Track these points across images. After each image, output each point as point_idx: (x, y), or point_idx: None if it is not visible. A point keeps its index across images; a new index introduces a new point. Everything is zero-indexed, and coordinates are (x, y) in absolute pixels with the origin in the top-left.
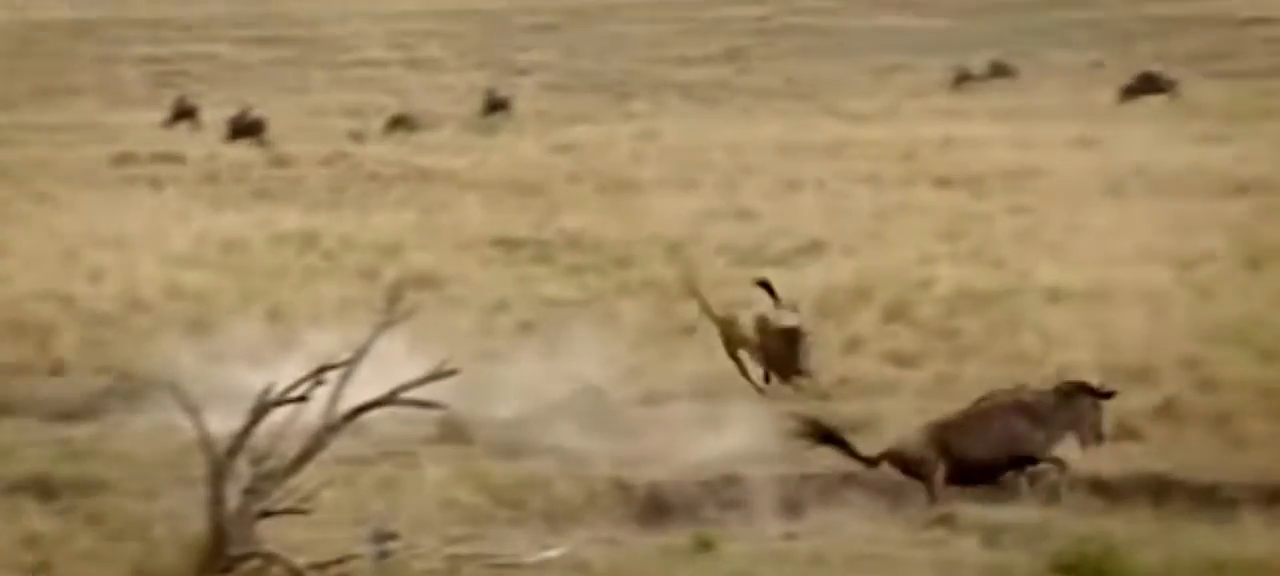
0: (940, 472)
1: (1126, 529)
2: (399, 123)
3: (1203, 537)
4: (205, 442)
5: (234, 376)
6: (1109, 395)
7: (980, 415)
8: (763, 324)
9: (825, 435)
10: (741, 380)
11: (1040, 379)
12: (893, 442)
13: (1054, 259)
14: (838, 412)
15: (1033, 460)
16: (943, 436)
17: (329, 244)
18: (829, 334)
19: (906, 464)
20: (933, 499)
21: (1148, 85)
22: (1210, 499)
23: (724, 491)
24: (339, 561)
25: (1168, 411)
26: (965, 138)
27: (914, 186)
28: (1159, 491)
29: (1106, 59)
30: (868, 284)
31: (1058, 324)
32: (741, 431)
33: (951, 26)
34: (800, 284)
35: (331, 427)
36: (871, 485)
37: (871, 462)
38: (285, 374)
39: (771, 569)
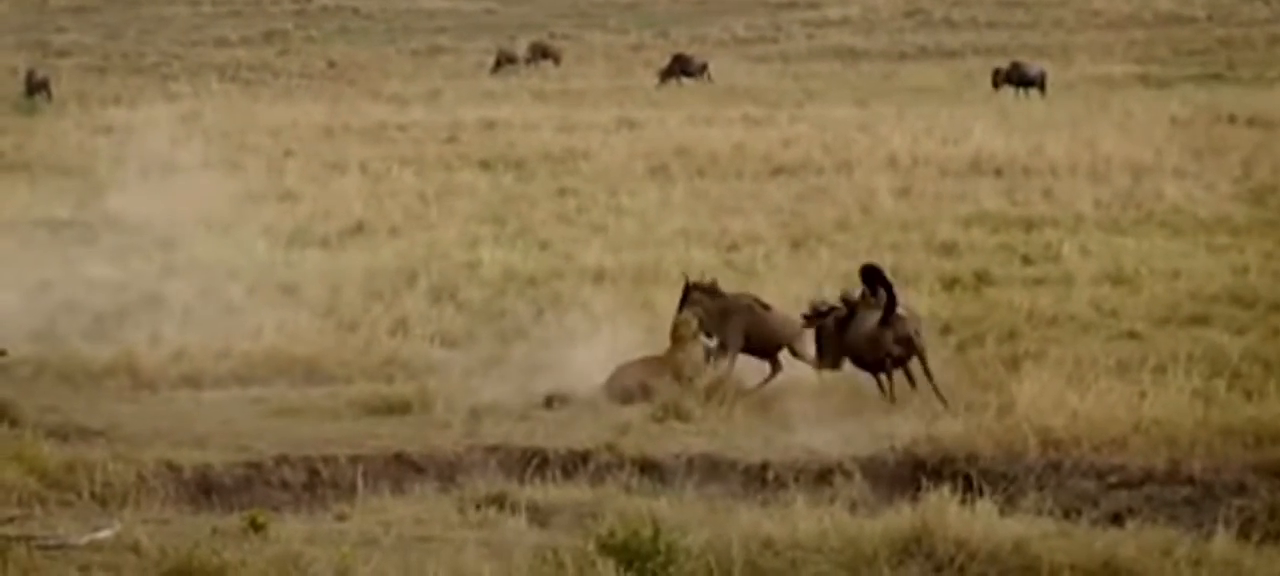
0: None
1: (675, 509)
2: None
3: (751, 517)
4: None
5: None
6: None
7: None
8: None
9: None
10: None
11: (587, 361)
12: None
13: (599, 240)
14: (387, 394)
15: None
16: None
17: None
18: (376, 315)
19: None
20: None
21: (681, 67)
22: (758, 478)
23: (275, 472)
24: None
25: (715, 391)
26: (508, 120)
27: (457, 170)
28: (707, 471)
29: (645, 41)
30: (413, 266)
31: (604, 304)
32: None
33: (493, 9)
34: (346, 266)
35: None
36: (425, 466)
37: None
38: None
39: (323, 550)
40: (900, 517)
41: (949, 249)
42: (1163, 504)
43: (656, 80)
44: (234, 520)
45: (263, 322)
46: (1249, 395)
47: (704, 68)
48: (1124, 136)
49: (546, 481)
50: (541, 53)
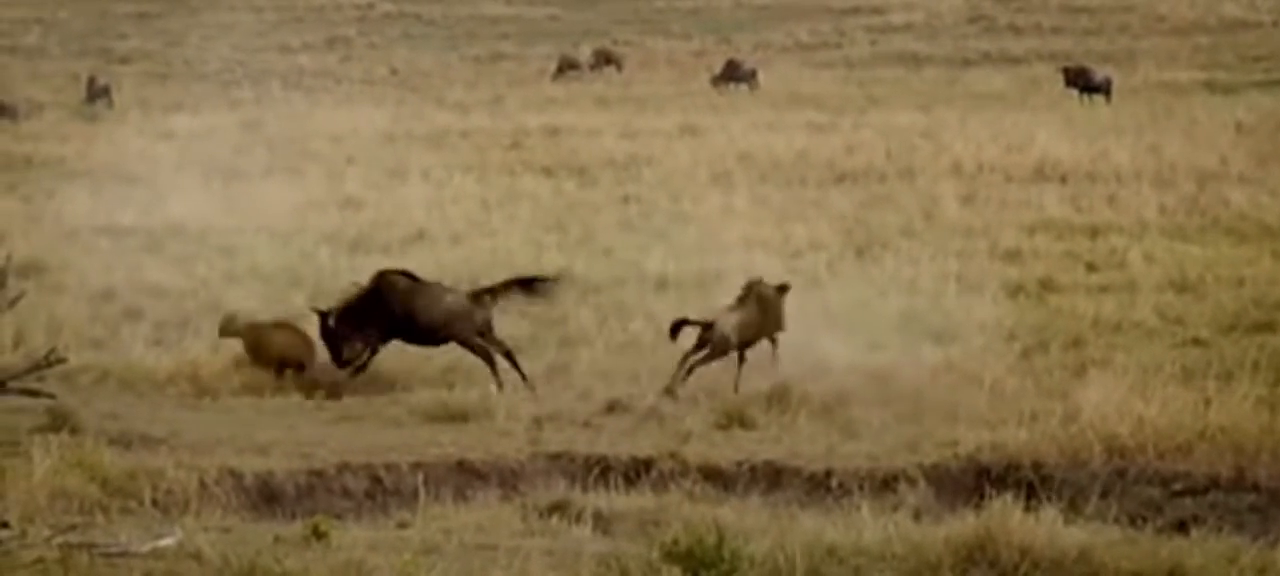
0: None
1: (739, 516)
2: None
3: (815, 524)
4: None
5: None
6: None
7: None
8: None
9: None
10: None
11: (650, 369)
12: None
13: (661, 247)
14: (448, 401)
15: None
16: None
17: None
18: None
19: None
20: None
21: (732, 73)
22: (822, 486)
23: (337, 479)
24: None
25: (779, 398)
26: (571, 126)
27: (520, 176)
28: (771, 478)
29: (708, 47)
30: (475, 273)
31: (667, 312)
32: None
33: (556, 15)
34: None
35: None
36: (487, 474)
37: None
38: None
39: (385, 558)
40: (964, 525)
41: (1013, 256)
42: (1228, 511)
43: (711, 85)
44: (296, 527)
45: None
46: None
47: (753, 74)
48: (1189, 143)
49: (609, 489)
50: (604, 59)
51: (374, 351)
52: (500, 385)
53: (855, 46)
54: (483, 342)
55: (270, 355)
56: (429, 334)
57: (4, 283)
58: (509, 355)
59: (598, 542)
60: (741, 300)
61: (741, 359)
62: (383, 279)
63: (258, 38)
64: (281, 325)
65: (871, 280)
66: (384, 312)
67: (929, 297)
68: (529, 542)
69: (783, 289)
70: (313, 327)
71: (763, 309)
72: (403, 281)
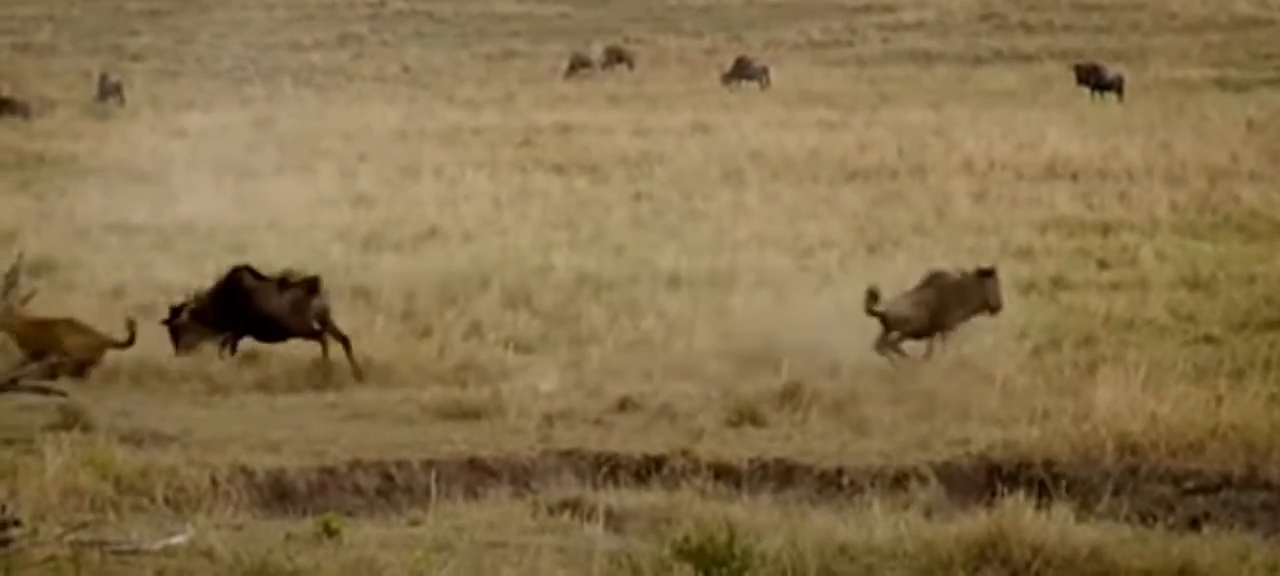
0: None
1: (750, 514)
2: (11, 108)
3: (826, 522)
4: None
5: None
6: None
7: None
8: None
9: None
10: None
11: (662, 367)
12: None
13: (673, 245)
14: (460, 398)
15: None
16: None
17: None
18: (450, 320)
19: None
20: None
21: (742, 70)
22: (834, 483)
23: (348, 477)
24: None
25: (790, 396)
26: (582, 124)
27: (531, 174)
28: (783, 476)
29: (720, 45)
30: (487, 270)
31: (679, 309)
32: None
33: (567, 12)
34: (420, 270)
35: None
36: (499, 471)
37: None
38: None
39: (397, 555)
40: (976, 523)
41: (1025, 253)
42: (1240, 509)
43: (721, 83)
44: (308, 525)
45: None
46: None
47: (764, 71)
48: (1200, 140)
49: (621, 487)
50: (616, 57)
51: (232, 348)
52: (360, 375)
53: (867, 44)
54: (323, 332)
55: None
56: (273, 329)
57: (16, 280)
58: (345, 343)
59: (609, 540)
60: (921, 287)
61: (932, 339)
62: (233, 276)
63: (269, 35)
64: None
65: (883, 277)
66: (232, 309)
67: None
68: (540, 540)
69: (984, 273)
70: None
71: (945, 294)
72: (249, 278)
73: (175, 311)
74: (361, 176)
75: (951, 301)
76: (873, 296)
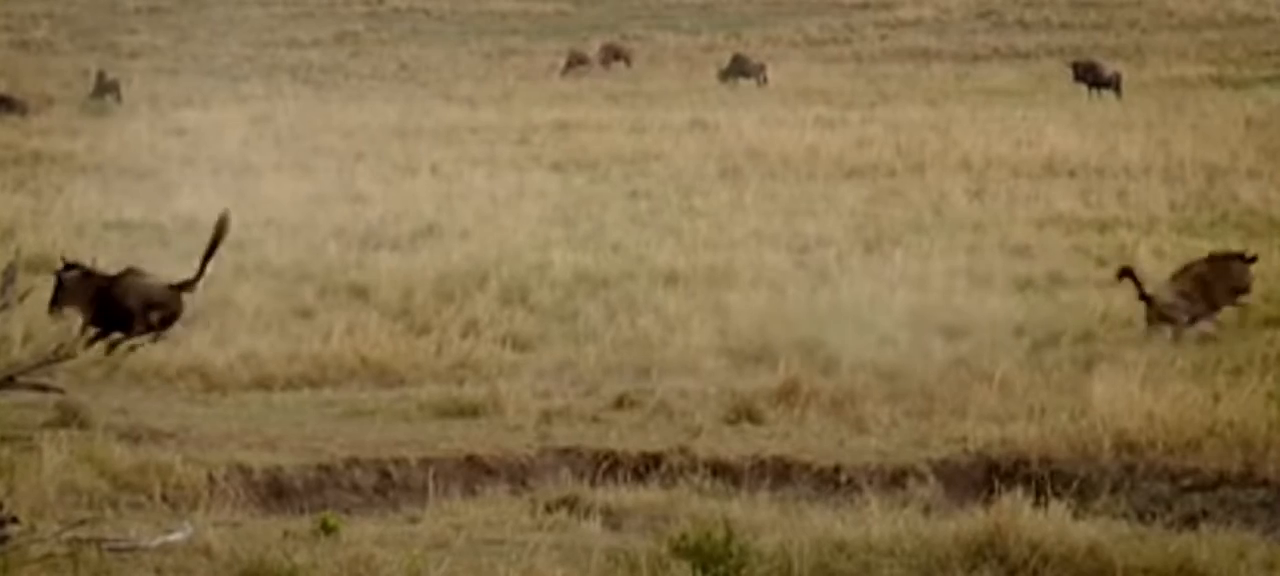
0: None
1: (748, 511)
2: (8, 105)
3: (823, 520)
4: None
5: None
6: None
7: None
8: None
9: None
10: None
11: (660, 364)
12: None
13: (671, 242)
14: (458, 396)
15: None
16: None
17: None
18: (447, 318)
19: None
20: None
21: (739, 68)
22: (831, 481)
23: (346, 474)
24: None
25: (788, 394)
26: (580, 121)
27: (529, 171)
28: (780, 473)
29: (717, 43)
30: (484, 268)
31: (676, 307)
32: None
33: (565, 10)
34: (417, 267)
35: None
36: (496, 469)
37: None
38: None
39: (394, 552)
40: (973, 520)
41: (1022, 250)
42: (1237, 507)
43: (718, 80)
44: (305, 522)
45: (334, 325)
46: None
47: (761, 69)
48: (1198, 138)
49: (618, 484)
50: (613, 54)
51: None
52: None
53: (864, 41)
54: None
55: None
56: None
57: (13, 278)
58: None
59: (606, 537)
60: (1177, 275)
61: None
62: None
63: (267, 33)
64: None
65: (881, 275)
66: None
67: (938, 293)
68: (538, 537)
69: (1244, 258)
70: None
71: (1204, 281)
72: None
73: (67, 266)
74: (359, 174)
75: (1217, 286)
76: (1133, 279)
